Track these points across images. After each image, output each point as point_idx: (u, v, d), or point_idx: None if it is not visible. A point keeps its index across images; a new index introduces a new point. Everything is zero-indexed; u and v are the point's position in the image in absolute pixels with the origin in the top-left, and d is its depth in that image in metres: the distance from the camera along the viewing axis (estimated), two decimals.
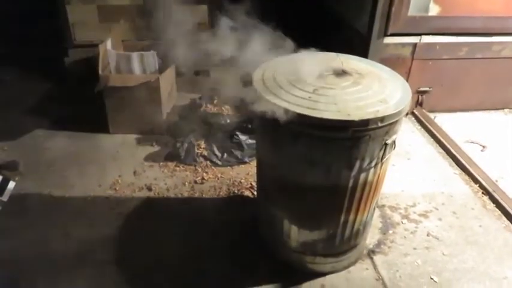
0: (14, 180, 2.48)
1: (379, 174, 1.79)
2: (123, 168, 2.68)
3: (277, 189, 1.91)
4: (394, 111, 1.61)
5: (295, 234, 1.93)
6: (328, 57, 1.98)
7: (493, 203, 2.51)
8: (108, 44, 2.96)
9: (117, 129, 2.98)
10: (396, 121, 1.65)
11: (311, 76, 1.78)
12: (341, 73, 1.81)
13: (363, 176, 1.72)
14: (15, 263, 2.02)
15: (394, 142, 1.72)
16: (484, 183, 2.62)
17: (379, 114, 1.58)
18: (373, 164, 1.71)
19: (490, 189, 2.56)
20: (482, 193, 2.59)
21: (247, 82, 1.82)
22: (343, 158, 1.66)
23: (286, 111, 1.59)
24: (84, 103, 3.15)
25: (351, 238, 1.95)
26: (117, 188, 2.52)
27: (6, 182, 2.44)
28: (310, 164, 1.70)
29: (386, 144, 1.67)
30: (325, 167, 1.69)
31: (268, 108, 1.63)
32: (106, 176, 2.62)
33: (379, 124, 1.59)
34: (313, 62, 1.89)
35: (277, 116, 1.61)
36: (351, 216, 1.85)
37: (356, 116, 1.56)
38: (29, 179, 2.56)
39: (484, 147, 3.04)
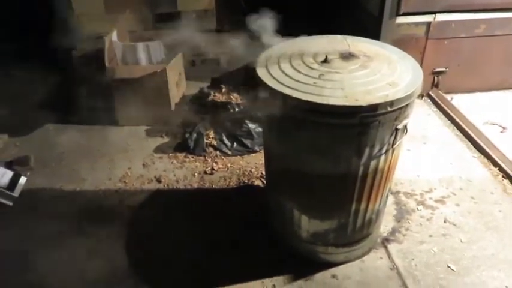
0: (25, 176, 2.49)
1: (390, 161, 1.72)
2: (132, 161, 2.67)
3: (286, 179, 1.86)
4: (405, 95, 1.53)
5: (306, 224, 1.89)
6: (335, 40, 1.90)
7: None
8: (114, 35, 2.93)
9: (126, 121, 2.96)
10: (407, 105, 1.57)
11: (316, 60, 1.71)
12: (348, 56, 1.73)
13: (373, 163, 1.66)
14: (26, 258, 2.03)
15: (405, 127, 1.64)
16: (504, 166, 2.51)
17: (389, 99, 1.50)
18: (383, 150, 1.64)
19: (511, 173, 2.46)
20: (503, 177, 2.49)
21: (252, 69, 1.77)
22: (351, 145, 1.60)
23: (291, 97, 1.53)
24: (92, 96, 3.12)
25: (363, 227, 1.89)
26: (126, 181, 2.51)
27: (17, 177, 2.45)
28: (318, 152, 1.64)
29: (397, 130, 1.60)
30: (333, 155, 1.63)
31: (272, 95, 1.57)
32: (116, 168, 2.61)
33: (389, 109, 1.51)
34: (319, 46, 1.81)
35: (281, 103, 1.55)
36: (363, 205, 1.79)
37: (364, 101, 1.49)
38: (40, 174, 2.57)
39: (504, 128, 2.92)
